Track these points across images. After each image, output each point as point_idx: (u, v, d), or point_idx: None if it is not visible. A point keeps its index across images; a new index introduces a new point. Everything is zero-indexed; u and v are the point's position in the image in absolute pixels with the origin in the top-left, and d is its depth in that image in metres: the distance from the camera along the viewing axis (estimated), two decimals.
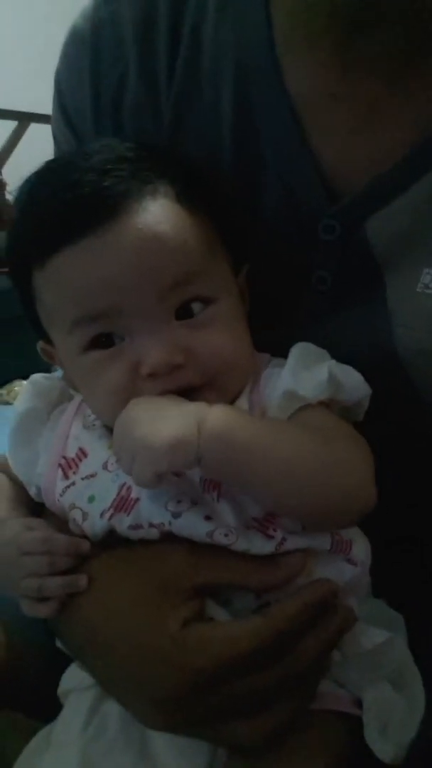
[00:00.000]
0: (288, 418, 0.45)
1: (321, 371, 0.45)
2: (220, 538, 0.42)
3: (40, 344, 0.53)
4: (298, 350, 0.48)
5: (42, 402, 0.53)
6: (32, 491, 0.51)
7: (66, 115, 0.58)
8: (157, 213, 0.44)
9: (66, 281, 0.44)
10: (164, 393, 0.44)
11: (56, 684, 0.50)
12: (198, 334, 0.45)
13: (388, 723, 0.44)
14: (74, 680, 0.49)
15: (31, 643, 0.53)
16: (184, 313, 0.45)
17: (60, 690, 0.50)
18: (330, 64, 0.44)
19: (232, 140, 0.50)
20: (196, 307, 0.45)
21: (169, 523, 0.42)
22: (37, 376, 0.55)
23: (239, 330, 0.48)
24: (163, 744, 0.44)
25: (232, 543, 0.42)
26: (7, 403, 1.89)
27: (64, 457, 0.49)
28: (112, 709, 0.46)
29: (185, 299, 0.45)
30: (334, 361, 0.46)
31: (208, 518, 0.42)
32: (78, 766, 0.43)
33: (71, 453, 0.49)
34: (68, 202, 0.44)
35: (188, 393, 0.44)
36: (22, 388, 0.58)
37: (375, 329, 0.49)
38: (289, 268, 0.51)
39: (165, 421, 0.39)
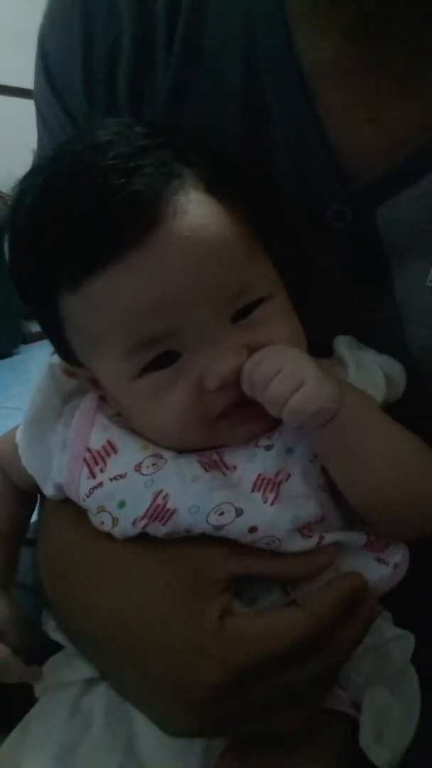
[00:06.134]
0: None
1: (376, 374, 0.45)
2: (261, 546, 0.41)
3: (63, 366, 0.49)
4: (345, 345, 0.47)
5: (57, 393, 0.49)
6: (48, 491, 0.47)
7: (52, 83, 0.52)
8: (198, 214, 0.40)
9: (114, 305, 0.40)
10: (234, 403, 0.41)
11: (22, 695, 0.47)
12: (257, 332, 0.42)
13: (384, 727, 0.43)
14: (54, 676, 0.46)
15: None
16: (239, 314, 0.42)
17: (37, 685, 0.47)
18: (348, 35, 0.42)
19: (239, 117, 0.47)
20: (250, 307, 0.43)
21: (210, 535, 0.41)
22: (57, 363, 0.50)
23: (296, 324, 0.46)
24: (152, 743, 0.42)
25: (274, 549, 0.41)
26: None
27: (89, 450, 0.45)
28: (96, 705, 0.44)
29: (241, 306, 0.42)
30: (382, 358, 0.47)
31: (252, 530, 0.40)
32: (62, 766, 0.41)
33: (97, 444, 0.45)
34: (99, 215, 0.38)
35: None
36: None
37: (384, 322, 0.48)
38: (295, 256, 0.48)
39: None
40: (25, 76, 0.60)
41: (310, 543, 0.42)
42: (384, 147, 0.45)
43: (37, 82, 0.54)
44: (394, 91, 0.43)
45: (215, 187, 0.42)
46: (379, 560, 0.45)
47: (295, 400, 0.38)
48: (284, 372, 0.39)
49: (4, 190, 3.08)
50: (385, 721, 0.43)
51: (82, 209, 0.39)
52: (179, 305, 0.40)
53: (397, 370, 0.47)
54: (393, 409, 0.45)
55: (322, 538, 0.42)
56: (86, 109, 0.51)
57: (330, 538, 0.43)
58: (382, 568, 0.45)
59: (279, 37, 0.44)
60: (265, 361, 0.40)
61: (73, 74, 0.50)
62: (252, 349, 0.41)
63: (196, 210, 0.40)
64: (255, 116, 0.47)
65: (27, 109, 0.63)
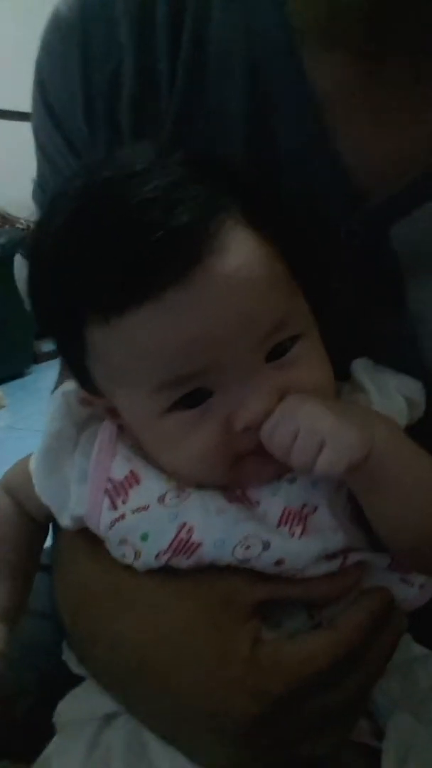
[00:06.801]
0: None
1: (397, 400, 0.45)
2: (286, 575, 0.41)
3: (79, 394, 0.48)
4: (363, 370, 0.46)
5: (72, 422, 0.48)
6: (64, 522, 0.46)
7: (52, 113, 0.51)
8: (240, 251, 0.39)
9: (147, 343, 0.38)
10: (260, 443, 0.39)
11: (45, 725, 0.47)
12: (290, 373, 0.41)
13: (408, 755, 0.42)
14: (74, 711, 0.46)
15: (21, 681, 0.50)
16: (273, 353, 0.41)
17: (57, 719, 0.47)
18: (356, 58, 0.41)
19: (245, 143, 0.47)
20: (285, 345, 0.41)
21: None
22: (70, 390, 0.48)
23: (326, 363, 0.44)
24: None
25: (298, 576, 0.41)
26: None
27: (111, 480, 0.43)
28: (114, 740, 0.43)
29: (277, 342, 0.41)
30: (400, 379, 0.46)
31: (279, 563, 0.40)
32: None
33: (119, 475, 0.43)
34: (137, 250, 0.36)
35: None
36: None
37: (398, 336, 0.48)
38: (308, 275, 0.48)
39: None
40: (28, 101, 0.58)
41: (334, 565, 0.42)
42: (394, 165, 0.44)
43: (35, 111, 0.54)
44: (403, 110, 0.43)
45: (256, 221, 0.41)
46: (404, 581, 0.44)
47: (321, 465, 0.36)
48: (301, 435, 0.37)
49: (13, 214, 3.12)
50: (409, 747, 0.42)
51: (120, 243, 0.37)
52: (216, 343, 0.38)
53: (416, 390, 0.46)
54: (409, 425, 0.45)
55: (345, 558, 0.42)
56: (87, 138, 0.51)
57: (354, 558, 0.43)
58: (408, 589, 0.44)
59: (286, 61, 0.44)
60: (280, 426, 0.38)
61: (73, 104, 0.50)
62: (283, 392, 0.40)
63: (238, 247, 0.39)
64: (262, 139, 0.47)
65: (29, 133, 0.63)
